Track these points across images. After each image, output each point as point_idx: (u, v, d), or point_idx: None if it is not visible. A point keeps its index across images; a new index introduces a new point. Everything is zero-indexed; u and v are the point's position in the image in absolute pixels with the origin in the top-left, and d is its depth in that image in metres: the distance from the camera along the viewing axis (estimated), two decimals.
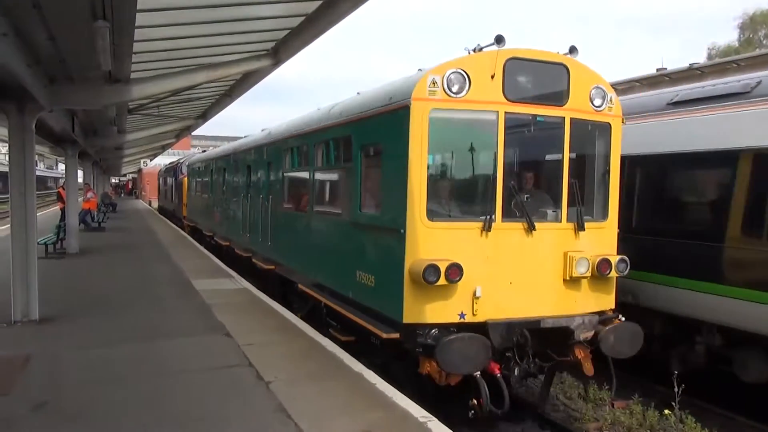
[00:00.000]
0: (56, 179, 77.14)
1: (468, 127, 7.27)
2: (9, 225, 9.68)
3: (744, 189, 7.97)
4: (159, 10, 7.77)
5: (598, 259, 7.27)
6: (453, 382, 6.78)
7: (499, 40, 6.77)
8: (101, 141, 20.80)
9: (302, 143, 10.61)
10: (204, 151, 28.77)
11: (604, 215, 7.65)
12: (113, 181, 68.42)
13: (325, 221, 9.54)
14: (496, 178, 6.96)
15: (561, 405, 9.16)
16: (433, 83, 6.70)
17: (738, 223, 8.01)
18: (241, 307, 10.60)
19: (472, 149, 7.34)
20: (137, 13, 6.61)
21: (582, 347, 7.27)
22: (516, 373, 7.07)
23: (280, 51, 10.85)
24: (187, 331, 8.81)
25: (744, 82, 8.40)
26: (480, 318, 6.81)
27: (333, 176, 9.66)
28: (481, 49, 6.98)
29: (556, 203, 7.37)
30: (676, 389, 8.21)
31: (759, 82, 8.10)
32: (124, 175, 75.06)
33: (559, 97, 7.24)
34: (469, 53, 7.03)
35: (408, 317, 6.71)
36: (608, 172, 7.64)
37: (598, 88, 7.42)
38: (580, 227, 7.30)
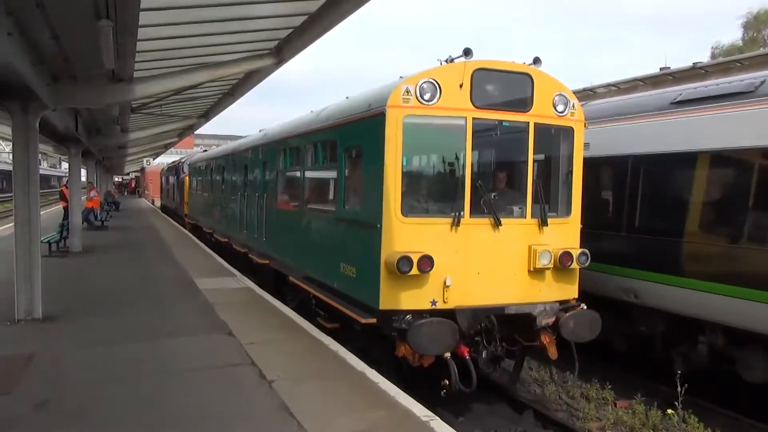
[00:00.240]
0: (59, 178, 77.28)
1: (439, 131, 7.99)
2: (12, 224, 9.70)
3: (753, 188, 7.97)
4: (162, 10, 7.79)
5: (560, 252, 7.91)
6: (426, 363, 7.35)
7: (467, 52, 7.47)
8: (104, 140, 20.85)
9: (294, 144, 11.25)
10: (205, 150, 29.23)
11: (568, 212, 8.29)
12: (116, 179, 68.56)
13: (314, 218, 10.15)
14: (464, 178, 7.62)
15: (564, 404, 9.16)
16: (407, 92, 7.36)
17: (750, 222, 7.99)
18: (243, 306, 10.61)
19: (442, 151, 8.15)
20: (140, 12, 6.63)
21: (547, 333, 7.91)
22: (484, 356, 7.69)
23: (283, 50, 10.86)
24: (190, 330, 8.82)
25: (748, 81, 8.37)
26: (450, 305, 7.45)
27: (321, 176, 10.31)
28: (452, 60, 7.64)
29: (523, 201, 7.99)
30: (678, 389, 8.21)
31: (763, 82, 8.07)
32: (128, 174, 75.19)
33: (523, 104, 7.89)
34: (441, 64, 7.71)
35: (384, 304, 7.36)
36: (571, 172, 8.27)
37: (561, 95, 8.05)
38: (543, 223, 7.96)
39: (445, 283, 7.43)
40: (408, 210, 7.49)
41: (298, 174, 10.95)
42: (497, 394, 9.17)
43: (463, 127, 7.58)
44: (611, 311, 9.41)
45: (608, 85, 18.38)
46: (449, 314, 7.39)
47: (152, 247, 19.07)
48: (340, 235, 8.81)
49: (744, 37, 38.59)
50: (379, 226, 7.44)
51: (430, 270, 7.25)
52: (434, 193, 8.19)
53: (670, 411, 8.34)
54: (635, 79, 17.60)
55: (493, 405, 8.92)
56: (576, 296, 8.33)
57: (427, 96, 7.39)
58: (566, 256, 7.94)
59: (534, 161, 8.03)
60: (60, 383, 6.54)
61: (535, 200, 7.96)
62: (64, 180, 29.15)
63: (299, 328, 9.07)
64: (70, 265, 15.27)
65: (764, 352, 8.02)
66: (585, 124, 8.36)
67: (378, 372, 7.14)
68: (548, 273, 7.99)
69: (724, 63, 16.00)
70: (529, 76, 7.89)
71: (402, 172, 7.48)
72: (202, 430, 5.43)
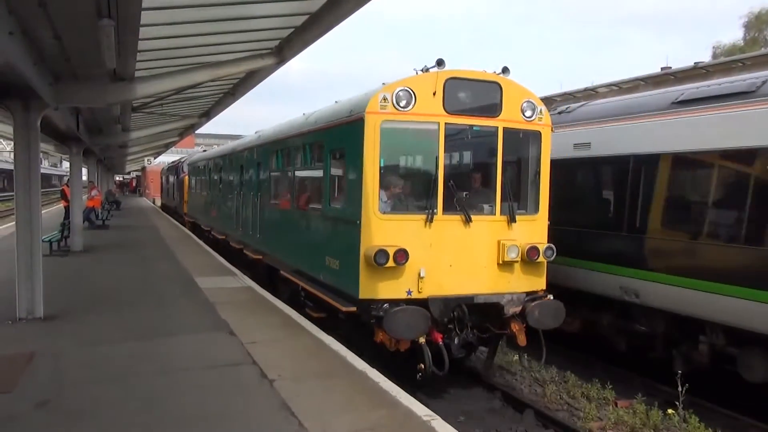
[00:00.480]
0: (60, 177, 77.30)
1: (414, 135, 8.59)
2: (14, 223, 9.70)
3: (751, 187, 7.98)
4: (164, 9, 7.78)
5: (527, 247, 8.53)
6: (402, 348, 8.05)
7: (440, 63, 8.16)
8: (105, 139, 20.83)
9: (286, 146, 11.92)
10: (205, 150, 29.87)
11: (536, 209, 8.91)
12: (118, 178, 68.57)
13: (303, 215, 10.79)
14: (437, 178, 8.23)
15: (564, 404, 9.17)
16: (384, 99, 8.00)
17: (752, 221, 8.00)
18: (244, 305, 10.61)
19: (417, 154, 8.98)
20: (142, 12, 6.63)
21: (517, 322, 8.53)
22: (456, 342, 8.34)
23: (284, 50, 10.84)
24: (191, 329, 8.83)
25: (749, 81, 8.37)
26: (424, 295, 8.09)
27: (310, 176, 10.93)
28: (427, 70, 8.27)
29: (493, 199, 8.61)
30: (679, 388, 8.20)
31: (764, 81, 8.06)
32: (128, 173, 75.21)
33: (492, 110, 8.50)
34: (416, 73, 8.32)
35: (363, 294, 8.02)
36: (539, 173, 8.87)
37: (528, 101, 8.67)
38: (512, 219, 8.57)
39: (419, 274, 8.06)
40: (385, 207, 8.18)
41: (289, 174, 11.67)
42: (493, 389, 9.20)
43: (436, 131, 8.20)
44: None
45: (610, 85, 18.40)
46: (423, 303, 8.00)
47: (153, 246, 19.08)
48: (326, 231, 9.48)
49: (745, 36, 38.52)
50: (358, 222, 8.09)
51: (406, 262, 7.90)
52: (409, 192, 8.70)
53: (670, 411, 8.34)
54: (637, 79, 17.63)
55: (492, 403, 8.94)
56: (544, 288, 8.89)
57: (402, 103, 8.00)
58: (533, 250, 8.55)
59: (503, 163, 8.61)
60: (61, 382, 6.54)
61: (504, 199, 8.56)
62: (65, 179, 29.17)
63: (300, 327, 9.08)
64: (71, 264, 15.28)
65: (764, 351, 8.02)
66: (552, 128, 8.94)
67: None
68: (516, 266, 8.61)
69: (726, 63, 16.02)
70: (498, 84, 8.51)
71: (380, 172, 8.11)
72: (203, 430, 5.43)
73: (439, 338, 8.09)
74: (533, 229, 8.81)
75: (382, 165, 8.21)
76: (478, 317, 8.45)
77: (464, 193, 8.55)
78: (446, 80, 8.19)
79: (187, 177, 28.60)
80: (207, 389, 6.36)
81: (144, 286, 12.17)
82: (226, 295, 11.31)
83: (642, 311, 9.59)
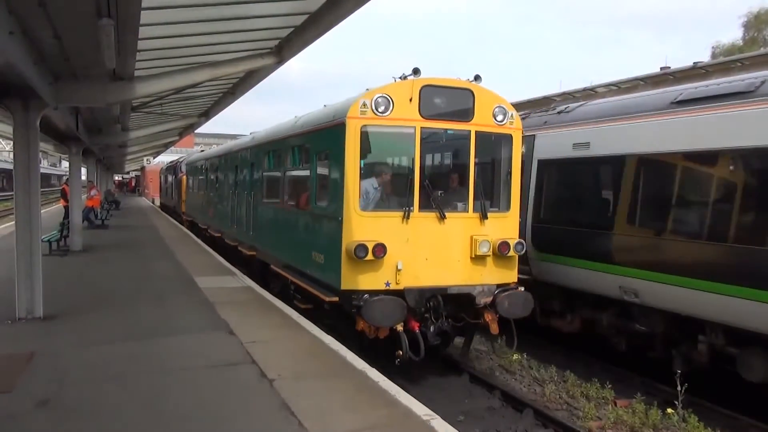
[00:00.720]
0: (59, 177, 77.25)
1: (391, 138, 9.25)
2: (13, 222, 9.69)
3: (750, 187, 7.99)
4: (163, 8, 7.78)
5: (498, 242, 9.09)
6: (382, 335, 8.59)
7: (416, 71, 8.73)
8: (105, 139, 20.84)
9: (277, 148, 12.61)
10: (203, 150, 30.35)
11: (508, 207, 9.50)
12: (117, 178, 68.52)
13: (292, 213, 11.44)
14: (413, 178, 8.83)
15: (564, 403, 9.18)
16: (364, 105, 8.58)
17: (747, 221, 8.02)
18: (244, 304, 10.62)
19: (395, 156, 9.66)
20: (141, 11, 6.63)
21: (489, 312, 9.09)
22: (432, 330, 8.88)
23: (284, 49, 10.85)
24: (191, 329, 8.83)
25: (748, 81, 8.37)
26: (401, 286, 8.66)
27: (298, 176, 11.46)
28: (405, 78, 8.81)
29: (467, 198, 9.18)
30: (678, 388, 8.22)
31: (763, 81, 8.07)
32: (128, 173, 75.18)
33: (465, 115, 9.07)
34: (394, 80, 8.87)
35: (345, 285, 8.60)
36: (510, 173, 9.47)
37: (500, 107, 9.23)
38: (484, 216, 9.14)
39: (397, 267, 8.64)
40: (364, 205, 8.77)
41: (279, 174, 12.37)
42: (493, 389, 9.23)
43: (412, 134, 8.81)
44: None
45: (608, 85, 18.42)
46: (400, 294, 8.60)
47: (152, 246, 19.08)
48: (312, 228, 10.10)
49: (744, 36, 38.54)
50: (340, 218, 8.70)
51: (384, 256, 8.49)
52: (388, 191, 9.28)
53: (669, 410, 8.35)
54: (636, 79, 17.64)
55: (492, 402, 8.96)
56: (515, 280, 9.46)
57: (381, 108, 8.59)
58: (504, 245, 9.12)
59: (476, 164, 9.17)
60: (61, 381, 6.54)
61: (476, 197, 9.13)
62: (64, 179, 29.16)
63: (300, 327, 9.08)
64: (71, 263, 15.29)
65: (764, 351, 8.03)
66: (522, 132, 9.56)
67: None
68: (488, 260, 9.17)
69: (725, 63, 16.04)
70: (470, 91, 9.08)
71: (360, 173, 8.72)
72: (203, 429, 5.44)
73: (415, 326, 8.68)
74: (504, 225, 9.39)
75: (362, 166, 8.81)
76: (453, 307, 9.06)
77: (439, 192, 9.12)
78: (422, 87, 8.78)
79: (184, 177, 29.13)
80: (206, 389, 6.36)
81: (143, 285, 12.16)
82: (226, 295, 11.32)
83: (641, 311, 9.60)
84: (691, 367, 9.04)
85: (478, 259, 9.08)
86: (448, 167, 10.11)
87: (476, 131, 9.14)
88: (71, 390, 6.30)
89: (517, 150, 9.46)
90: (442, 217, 8.92)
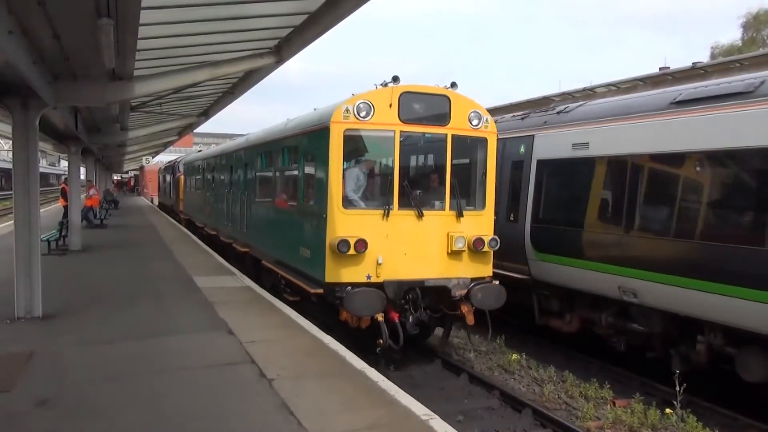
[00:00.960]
0: (58, 176, 77.16)
1: (372, 141, 9.92)
2: (12, 222, 9.68)
3: (750, 188, 8.00)
4: (163, 8, 7.77)
5: (474, 238, 9.67)
6: (363, 325, 9.20)
7: (395, 79, 9.34)
8: (104, 138, 20.81)
9: (269, 149, 13.28)
10: (200, 150, 31.09)
11: (483, 205, 10.10)
12: (116, 177, 68.45)
13: (282, 211, 12.06)
14: (393, 178, 9.46)
15: (562, 403, 9.19)
16: (347, 110, 9.18)
17: (746, 221, 8.02)
18: (243, 304, 10.62)
19: (375, 158, 10.21)
20: (141, 11, 6.62)
21: (466, 304, 9.66)
22: (411, 320, 9.45)
23: (283, 49, 10.85)
24: (190, 329, 8.83)
25: (748, 81, 8.38)
26: (381, 279, 9.25)
27: (288, 175, 12.10)
28: (385, 85, 9.41)
29: (444, 197, 9.78)
30: (677, 388, 8.23)
31: (763, 82, 8.07)
32: (127, 172, 75.12)
33: (442, 119, 9.70)
34: (376, 87, 9.46)
35: (329, 278, 9.18)
36: (485, 173, 10.05)
37: (475, 112, 9.85)
38: (459, 214, 9.73)
39: (377, 261, 9.21)
40: (347, 204, 9.36)
41: (270, 174, 13.07)
42: (492, 389, 9.25)
43: (392, 138, 9.43)
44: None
45: (608, 85, 18.44)
46: (380, 286, 9.18)
47: (151, 246, 19.07)
48: (300, 225, 10.63)
49: (743, 37, 38.55)
50: (324, 216, 9.28)
51: (365, 251, 9.08)
52: (369, 190, 9.95)
53: (668, 410, 8.36)
54: (635, 79, 17.66)
55: (491, 402, 8.96)
56: (490, 274, 10.08)
57: (363, 113, 9.18)
58: (479, 241, 9.70)
59: (453, 165, 9.76)
60: (60, 381, 6.54)
61: (453, 196, 9.74)
62: (64, 178, 29.13)
63: (299, 326, 9.08)
64: (70, 263, 15.28)
65: (762, 351, 8.04)
66: (497, 135, 10.21)
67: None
68: (464, 255, 9.74)
69: (724, 63, 16.06)
70: (447, 97, 9.68)
71: (343, 174, 9.30)
72: (202, 429, 5.44)
73: (395, 317, 9.30)
74: (480, 222, 9.99)
75: (345, 167, 9.43)
76: (431, 299, 9.69)
77: (417, 191, 9.74)
78: (401, 94, 9.37)
79: (182, 176, 29.66)
80: (206, 388, 6.36)
81: (142, 285, 12.16)
82: (225, 295, 11.31)
83: (640, 311, 9.61)
84: (690, 367, 9.05)
85: (454, 254, 9.66)
86: (427, 168, 10.81)
87: (452, 134, 9.74)
88: (70, 389, 6.30)
89: (492, 152, 10.05)
90: (420, 215, 9.51)
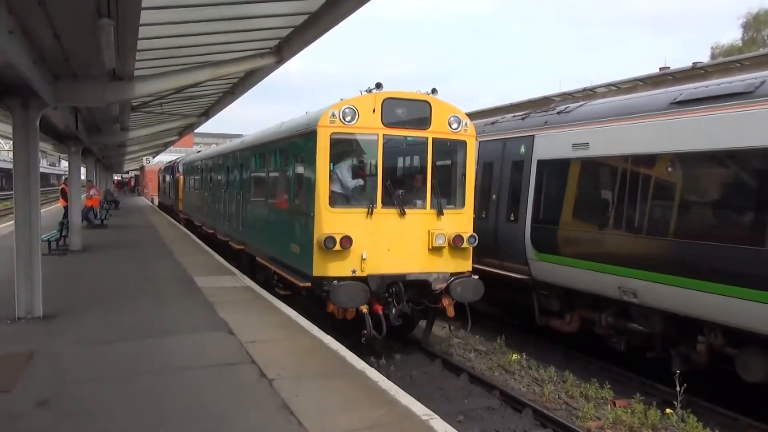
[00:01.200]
0: (59, 176, 77.17)
1: (357, 144, 10.50)
2: (12, 222, 9.68)
3: (750, 188, 8.00)
4: (163, 8, 7.77)
5: (453, 235, 10.20)
6: (349, 316, 9.71)
7: (379, 86, 9.96)
8: (104, 138, 20.80)
9: (262, 151, 13.93)
10: (199, 151, 31.49)
11: (462, 204, 10.63)
12: (116, 178, 68.45)
13: (274, 210, 12.67)
14: (377, 179, 10.04)
15: (563, 403, 9.19)
16: (333, 115, 9.74)
17: (746, 221, 8.02)
18: (243, 304, 10.62)
19: (360, 159, 10.67)
20: (141, 11, 6.62)
21: (446, 297, 10.14)
22: (394, 312, 9.94)
23: (283, 49, 10.85)
24: (190, 329, 8.83)
25: (748, 81, 8.38)
26: (365, 273, 9.80)
27: (279, 176, 12.53)
28: (369, 91, 9.96)
29: (425, 196, 10.33)
30: (677, 388, 8.23)
31: (763, 82, 8.07)
32: (127, 173, 75.12)
33: (423, 123, 10.26)
34: (361, 93, 10.01)
35: (316, 272, 9.76)
36: (465, 174, 10.59)
37: (455, 116, 10.40)
38: (440, 212, 10.28)
39: (362, 256, 9.76)
40: (334, 202, 9.90)
41: (264, 175, 13.71)
42: (492, 389, 9.25)
43: (375, 141, 10.02)
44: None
45: (608, 85, 18.43)
46: (364, 280, 9.71)
47: (151, 246, 19.07)
48: (290, 223, 11.22)
49: (743, 37, 38.55)
50: (312, 214, 9.84)
51: (350, 247, 9.64)
52: (354, 190, 10.47)
53: (669, 410, 8.36)
54: (635, 79, 17.65)
55: (491, 402, 8.96)
56: (469, 269, 10.55)
57: (348, 118, 9.75)
58: (458, 238, 10.23)
59: (433, 166, 10.33)
60: (60, 381, 6.54)
61: (433, 195, 10.28)
62: (64, 178, 29.13)
63: (299, 327, 9.08)
64: (70, 263, 15.28)
65: (762, 351, 8.04)
66: (476, 138, 10.74)
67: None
68: (444, 251, 10.26)
69: (724, 63, 16.05)
70: (428, 102, 10.24)
71: (330, 174, 9.89)
72: (202, 429, 5.44)
73: (379, 309, 9.77)
74: (459, 220, 10.50)
75: (331, 168, 10.02)
76: (413, 292, 10.20)
77: (400, 191, 10.25)
78: (384, 100, 9.93)
79: (181, 177, 30.26)
80: (206, 388, 6.36)
81: (143, 285, 12.16)
82: (225, 295, 11.31)
83: (641, 311, 9.61)
84: (690, 368, 9.05)
85: (434, 250, 10.19)
86: (409, 169, 11.41)
87: (433, 138, 10.30)
88: (71, 390, 6.30)
89: (471, 154, 10.60)
90: (402, 213, 10.06)
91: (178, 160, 35.07)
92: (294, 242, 10.80)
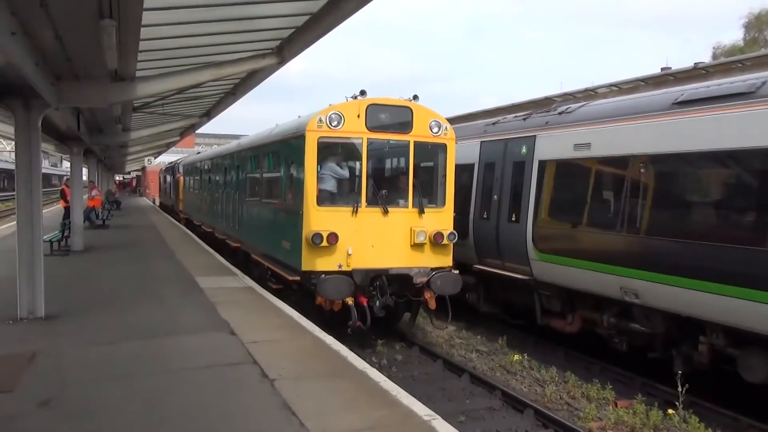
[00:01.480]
0: (60, 177, 77.23)
1: (343, 147, 11.19)
2: (15, 222, 9.70)
3: (752, 188, 7.99)
4: (165, 9, 7.78)
5: (434, 232, 10.92)
6: (336, 308, 10.35)
7: (363, 93, 10.70)
8: (106, 139, 20.82)
9: (257, 153, 14.67)
10: (199, 152, 32.72)
11: (443, 203, 11.36)
12: (118, 178, 68.51)
13: (268, 209, 13.30)
14: (361, 180, 10.87)
15: (564, 404, 9.19)
16: (320, 120, 10.50)
17: (747, 222, 8.01)
18: (245, 304, 10.63)
19: (345, 162, 11.30)
20: (143, 12, 6.63)
21: (428, 290, 10.85)
22: (378, 304, 10.59)
23: (285, 50, 10.85)
24: (192, 329, 8.84)
25: (750, 81, 8.37)
26: (351, 267, 10.50)
27: (272, 177, 13.24)
28: (355, 98, 10.71)
29: (407, 196, 11.03)
30: (679, 389, 8.22)
31: (764, 82, 8.07)
32: (128, 173, 75.18)
33: (405, 127, 11.00)
34: (346, 100, 10.76)
35: (305, 266, 10.45)
36: (445, 175, 11.33)
37: (435, 121, 11.15)
38: (421, 211, 10.98)
39: (347, 252, 10.46)
40: (321, 201, 10.59)
41: (258, 175, 14.43)
42: (494, 389, 9.23)
43: (360, 144, 10.77)
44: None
45: (610, 86, 18.41)
46: (350, 274, 10.41)
47: (153, 246, 19.09)
48: (281, 221, 11.99)
49: (745, 37, 38.50)
50: (301, 212, 10.57)
51: (336, 243, 10.33)
52: (340, 190, 11.10)
53: (670, 411, 8.36)
54: (637, 80, 17.63)
55: (492, 402, 8.95)
56: (450, 264, 11.25)
57: (334, 123, 10.49)
58: (438, 235, 10.94)
59: (415, 168, 11.05)
60: (63, 381, 6.55)
61: (415, 195, 10.98)
62: (64, 179, 29.17)
63: (301, 327, 9.09)
64: (72, 264, 15.30)
65: (764, 351, 8.03)
66: (455, 141, 11.39)
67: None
68: (426, 247, 10.96)
69: (726, 63, 16.03)
70: (409, 108, 10.98)
71: (317, 175, 10.54)
72: (204, 429, 5.44)
73: (364, 301, 10.45)
74: (440, 218, 11.20)
75: (319, 169, 10.67)
76: (396, 286, 10.82)
77: (383, 191, 10.88)
78: (368, 106, 10.65)
79: (182, 177, 30.99)
80: (208, 389, 6.37)
81: (144, 285, 12.18)
82: (227, 295, 11.33)
83: (642, 312, 9.61)
84: (692, 368, 9.04)
85: (416, 246, 10.88)
86: (392, 171, 12.12)
87: (415, 141, 11.01)
88: (73, 390, 6.31)
89: (451, 156, 11.29)
90: (386, 212, 10.76)
91: (178, 161, 35.41)
92: (285, 239, 11.48)
